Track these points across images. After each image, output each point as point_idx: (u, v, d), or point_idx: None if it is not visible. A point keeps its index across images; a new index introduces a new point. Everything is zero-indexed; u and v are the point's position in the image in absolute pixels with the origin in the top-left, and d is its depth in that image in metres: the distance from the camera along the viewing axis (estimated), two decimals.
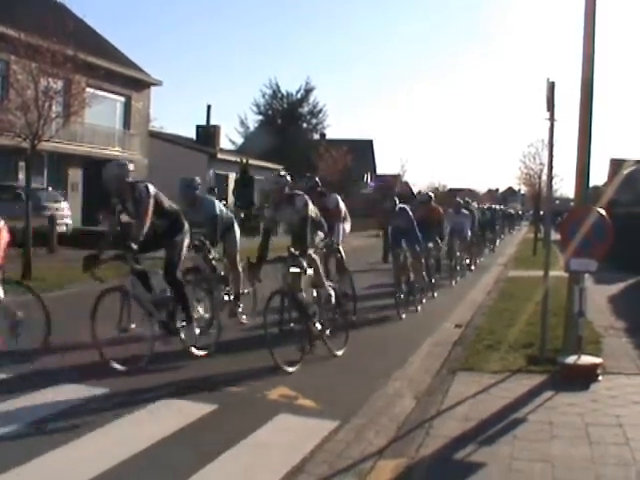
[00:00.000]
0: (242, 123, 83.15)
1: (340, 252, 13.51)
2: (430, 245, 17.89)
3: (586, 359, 9.08)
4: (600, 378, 8.84)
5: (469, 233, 23.97)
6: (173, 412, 7.66)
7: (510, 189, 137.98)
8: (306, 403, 8.09)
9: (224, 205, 12.92)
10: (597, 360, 9.21)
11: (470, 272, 24.91)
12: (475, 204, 32.00)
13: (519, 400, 8.02)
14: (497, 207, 50.78)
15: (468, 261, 25.25)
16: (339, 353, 10.51)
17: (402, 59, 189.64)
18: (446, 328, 13.27)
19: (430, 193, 21.32)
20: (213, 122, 61.76)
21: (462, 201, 25.65)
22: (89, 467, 5.98)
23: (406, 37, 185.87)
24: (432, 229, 18.00)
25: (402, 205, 15.52)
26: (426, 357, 10.68)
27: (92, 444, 6.62)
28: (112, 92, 38.97)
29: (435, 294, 17.87)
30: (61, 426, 7.10)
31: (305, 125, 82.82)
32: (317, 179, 13.98)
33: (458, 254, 22.70)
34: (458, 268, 22.61)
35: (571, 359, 9.05)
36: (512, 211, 76.38)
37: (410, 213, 15.52)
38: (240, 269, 12.11)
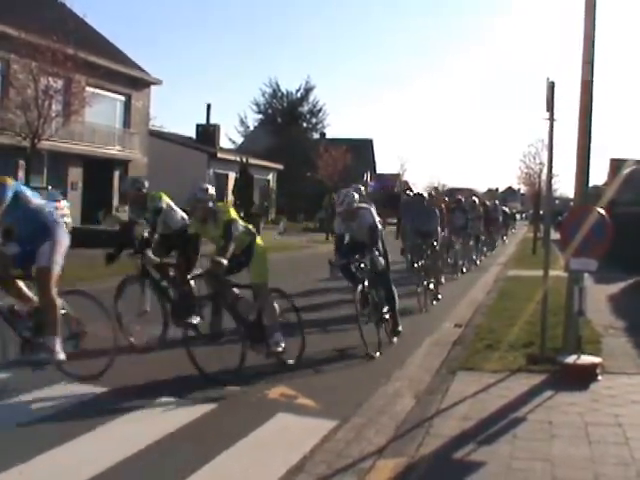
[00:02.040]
0: (242, 122, 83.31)
1: None
2: None
3: (586, 358, 9.09)
4: (600, 377, 8.84)
5: None
6: (172, 411, 7.68)
7: (510, 189, 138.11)
8: (306, 402, 8.09)
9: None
10: (597, 359, 9.21)
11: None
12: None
13: (519, 399, 8.02)
14: (464, 200, 26.69)
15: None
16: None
17: (403, 57, 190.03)
18: (446, 327, 13.26)
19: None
20: (213, 121, 61.97)
21: None
22: (89, 466, 5.98)
23: (407, 34, 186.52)
24: None
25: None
26: (426, 357, 10.67)
27: (91, 443, 6.63)
28: (112, 91, 39.03)
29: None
30: (60, 425, 7.10)
31: (305, 124, 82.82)
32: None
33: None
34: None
35: (571, 358, 9.06)
36: (506, 209, 50.86)
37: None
38: None
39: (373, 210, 11.60)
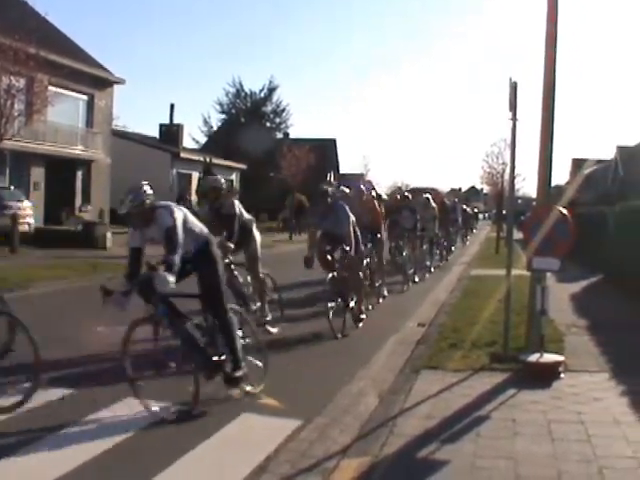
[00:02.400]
0: (205, 122, 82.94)
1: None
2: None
3: (548, 357, 9.15)
4: (562, 376, 8.91)
5: None
6: (135, 412, 7.60)
7: (473, 188, 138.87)
8: (270, 402, 8.04)
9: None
10: (559, 358, 9.28)
11: None
12: None
13: (482, 398, 8.06)
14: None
15: None
16: None
17: (364, 56, 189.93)
18: (409, 327, 13.26)
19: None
20: (176, 121, 61.67)
21: None
22: (54, 468, 5.96)
23: (365, 32, 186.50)
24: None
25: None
26: (389, 356, 10.68)
27: (56, 445, 6.57)
28: (75, 90, 38.74)
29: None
30: (23, 428, 7.03)
31: (268, 124, 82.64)
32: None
33: None
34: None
35: (534, 357, 9.11)
36: (467, 208, 49.34)
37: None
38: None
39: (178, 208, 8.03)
